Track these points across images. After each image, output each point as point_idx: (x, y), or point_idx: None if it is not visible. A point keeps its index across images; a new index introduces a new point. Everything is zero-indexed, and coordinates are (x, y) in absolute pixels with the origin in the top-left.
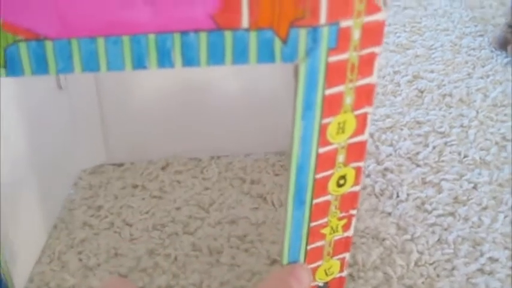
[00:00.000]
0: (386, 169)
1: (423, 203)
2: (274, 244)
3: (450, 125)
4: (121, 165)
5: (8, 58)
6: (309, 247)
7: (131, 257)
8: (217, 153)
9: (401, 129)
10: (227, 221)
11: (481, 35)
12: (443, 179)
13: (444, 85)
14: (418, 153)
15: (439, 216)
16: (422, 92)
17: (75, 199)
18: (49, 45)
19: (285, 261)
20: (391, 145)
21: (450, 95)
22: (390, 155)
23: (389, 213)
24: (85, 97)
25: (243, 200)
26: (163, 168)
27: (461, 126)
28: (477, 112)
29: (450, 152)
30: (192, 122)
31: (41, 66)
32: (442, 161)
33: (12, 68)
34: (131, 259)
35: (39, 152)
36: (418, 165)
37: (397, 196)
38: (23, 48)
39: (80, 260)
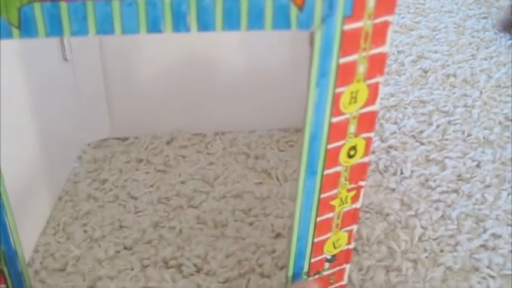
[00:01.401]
0: (390, 146)
1: (427, 180)
2: (279, 218)
3: (454, 104)
4: (125, 139)
5: (22, 19)
6: (318, 219)
7: (136, 229)
8: (221, 129)
9: (406, 108)
10: (232, 195)
11: (485, 17)
12: (447, 157)
13: (448, 65)
14: (422, 131)
15: (442, 193)
16: (426, 72)
17: (79, 172)
18: (64, 6)
19: (295, 233)
20: (395, 123)
21: (454, 76)
22: (394, 132)
23: (393, 190)
24: (90, 70)
25: (248, 174)
26: (167, 143)
27: (465, 106)
28: (481, 92)
29: (454, 131)
30: (197, 98)
31: (55, 28)
32: (446, 140)
33: (27, 29)
34: (136, 231)
35: (44, 124)
36: (421, 143)
37: (401, 173)
38: (37, 8)
39: (85, 231)
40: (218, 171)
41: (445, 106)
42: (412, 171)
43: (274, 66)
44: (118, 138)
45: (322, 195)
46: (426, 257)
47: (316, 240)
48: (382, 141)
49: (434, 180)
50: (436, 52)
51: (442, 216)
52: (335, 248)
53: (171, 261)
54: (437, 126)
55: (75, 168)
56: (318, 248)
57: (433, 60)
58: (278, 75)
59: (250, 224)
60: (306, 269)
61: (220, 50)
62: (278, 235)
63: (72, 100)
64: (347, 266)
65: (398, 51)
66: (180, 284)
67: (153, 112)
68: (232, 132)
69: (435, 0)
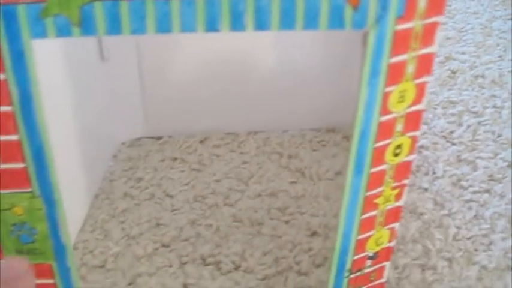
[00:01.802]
0: (421, 146)
1: (459, 180)
2: (314, 216)
3: (483, 105)
4: (159, 138)
5: (83, 17)
6: (362, 216)
7: (173, 226)
8: (254, 128)
9: (435, 109)
10: (267, 194)
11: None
12: (478, 157)
13: (476, 67)
14: (452, 131)
15: (475, 192)
16: (454, 73)
17: (115, 171)
18: (124, 5)
19: (340, 230)
20: (426, 123)
21: (482, 77)
22: (425, 133)
23: (426, 189)
24: (126, 70)
25: (281, 173)
26: (201, 142)
27: (494, 106)
28: (509, 93)
29: (484, 132)
30: (230, 97)
31: (114, 26)
32: (477, 140)
33: (87, 27)
34: (173, 229)
35: (81, 123)
36: (453, 144)
37: (434, 173)
38: (98, 7)
39: (123, 229)
40: (252, 170)
41: (474, 107)
42: (444, 171)
43: (307, 66)
44: (152, 137)
45: (368, 193)
46: (461, 256)
47: (359, 237)
48: None
49: (467, 180)
50: (463, 53)
51: (475, 215)
52: (377, 245)
53: (209, 258)
54: (468, 127)
55: (111, 166)
56: (360, 245)
57: (461, 61)
58: (310, 75)
59: (286, 222)
60: (348, 266)
61: (254, 49)
62: (314, 233)
63: (108, 99)
64: (387, 264)
65: None
66: (218, 281)
67: (186, 111)
68: (264, 132)
69: (461, 2)
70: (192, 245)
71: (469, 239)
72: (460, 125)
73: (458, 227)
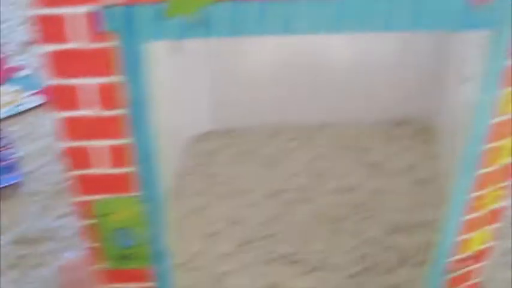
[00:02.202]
0: None
1: None
2: (395, 212)
3: None
4: (229, 132)
5: (207, 18)
6: (467, 217)
7: (253, 223)
8: (326, 121)
9: None
10: (344, 189)
11: None
12: None
13: None
14: None
15: None
16: None
17: (186, 166)
18: (248, 6)
19: (444, 230)
20: None
21: None
22: None
23: None
24: (196, 62)
25: (357, 168)
26: (272, 136)
27: None
28: None
29: None
30: (301, 90)
31: (238, 28)
32: None
33: (210, 28)
34: (253, 226)
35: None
36: None
37: None
38: (221, 8)
39: (201, 226)
40: (328, 165)
41: None
42: None
43: (380, 59)
44: (221, 131)
45: (474, 194)
46: None
47: (462, 238)
48: None
49: None
50: None
51: None
52: (478, 245)
53: (293, 256)
54: None
55: (182, 162)
56: (462, 245)
57: None
58: (382, 67)
59: (367, 218)
60: (447, 266)
61: (327, 41)
62: (396, 230)
63: (177, 92)
64: (486, 264)
65: None
66: (305, 280)
67: (256, 104)
68: (337, 125)
69: None
70: (274, 242)
71: None
72: None
73: None
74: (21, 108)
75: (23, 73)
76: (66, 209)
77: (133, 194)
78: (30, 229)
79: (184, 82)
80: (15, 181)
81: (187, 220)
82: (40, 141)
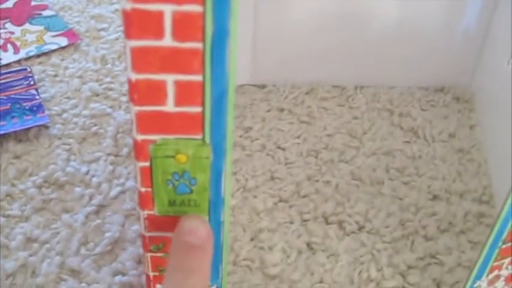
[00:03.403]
0: None
1: None
2: (434, 179)
3: None
4: (263, 87)
5: None
6: None
7: (290, 181)
8: (361, 82)
9: None
10: (382, 152)
11: None
12: None
13: None
14: None
15: None
16: None
17: None
18: None
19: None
20: None
21: None
22: None
23: None
24: (240, 15)
25: (394, 132)
26: (307, 94)
27: None
28: None
29: None
30: (339, 50)
31: None
32: None
33: None
34: (290, 183)
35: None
36: None
37: None
38: None
39: (237, 180)
40: (364, 127)
41: None
42: None
43: (422, 23)
44: (256, 85)
45: None
46: None
47: None
48: None
49: None
50: None
51: None
52: None
53: (332, 217)
54: None
55: None
56: None
57: None
58: (424, 32)
59: (406, 183)
60: (505, 235)
61: (370, 2)
62: (435, 197)
63: None
64: None
65: None
66: (344, 241)
67: (293, 61)
68: (372, 87)
69: None
70: (312, 201)
71: None
72: None
73: None
74: (46, 48)
75: (46, 13)
76: (93, 155)
77: (198, 136)
78: (57, 173)
79: None
80: (41, 122)
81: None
82: (65, 84)
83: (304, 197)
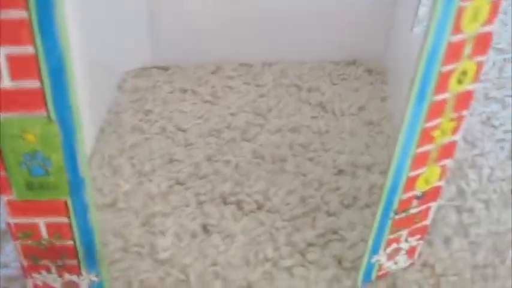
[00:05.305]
0: None
1: (488, 119)
2: (340, 154)
3: (508, 42)
4: (167, 68)
5: None
6: (417, 150)
7: (188, 163)
8: (269, 59)
9: None
10: (288, 129)
11: None
12: (506, 95)
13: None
14: None
15: (506, 132)
16: None
17: (121, 102)
18: None
19: (394, 165)
20: None
21: (505, 13)
22: None
23: None
24: None
25: (302, 108)
26: (213, 73)
27: None
28: None
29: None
30: (244, 26)
31: None
32: (503, 78)
33: None
34: (188, 165)
35: (83, 50)
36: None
37: None
38: None
39: (133, 165)
40: (270, 104)
41: (498, 43)
42: (472, 109)
43: None
44: (159, 67)
45: (426, 124)
46: (497, 198)
47: (410, 174)
48: None
49: (497, 119)
50: None
51: (508, 155)
52: (426, 184)
53: (230, 197)
54: (493, 64)
55: (116, 97)
56: (410, 183)
57: None
58: (331, 4)
59: (310, 159)
60: (395, 206)
61: None
62: (340, 171)
63: (112, 25)
64: (434, 205)
65: None
66: (241, 222)
67: (196, 40)
68: (280, 63)
69: None
70: (210, 182)
71: (503, 180)
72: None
73: (492, 168)
74: None
75: None
76: None
77: (42, 113)
78: None
79: (121, 14)
80: None
81: (120, 158)
82: None
83: (202, 178)
